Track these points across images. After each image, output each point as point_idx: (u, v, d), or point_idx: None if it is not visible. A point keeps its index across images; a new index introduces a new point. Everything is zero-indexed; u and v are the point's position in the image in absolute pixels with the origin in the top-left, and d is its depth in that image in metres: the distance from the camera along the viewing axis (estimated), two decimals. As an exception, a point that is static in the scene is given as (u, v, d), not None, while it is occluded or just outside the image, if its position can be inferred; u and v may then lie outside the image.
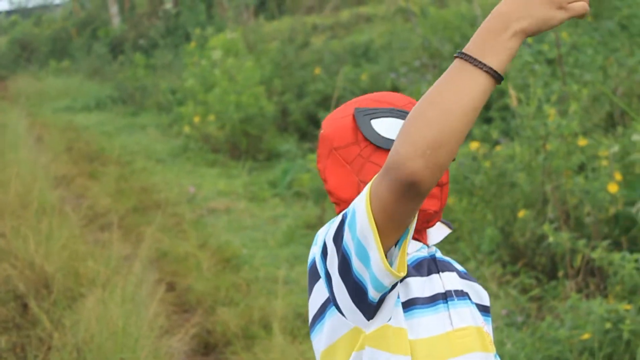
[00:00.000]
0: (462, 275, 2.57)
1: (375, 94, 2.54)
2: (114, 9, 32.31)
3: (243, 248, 9.57)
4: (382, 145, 2.40)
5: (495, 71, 2.07)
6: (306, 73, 16.16)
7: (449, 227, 2.59)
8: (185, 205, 11.83)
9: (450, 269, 2.53)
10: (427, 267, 2.47)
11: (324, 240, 2.36)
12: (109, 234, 10.03)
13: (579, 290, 6.58)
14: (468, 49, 2.09)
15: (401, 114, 2.42)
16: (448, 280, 2.48)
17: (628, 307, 5.71)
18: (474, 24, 14.95)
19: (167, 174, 14.00)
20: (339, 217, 2.31)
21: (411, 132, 2.08)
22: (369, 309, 2.33)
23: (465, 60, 2.08)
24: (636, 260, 5.99)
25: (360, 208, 2.20)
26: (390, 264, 2.23)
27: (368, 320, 2.34)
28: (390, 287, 2.28)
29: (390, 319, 2.34)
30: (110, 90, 23.72)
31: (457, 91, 2.08)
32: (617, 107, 8.80)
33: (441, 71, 13.31)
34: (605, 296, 6.28)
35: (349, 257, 2.25)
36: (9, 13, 51.31)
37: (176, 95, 18.85)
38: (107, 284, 7.76)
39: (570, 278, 6.75)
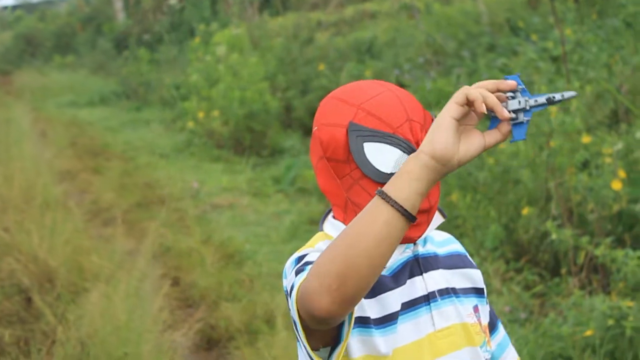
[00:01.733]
0: (449, 265, 2.57)
1: (377, 97, 2.42)
2: (118, 4, 32.29)
3: (246, 244, 9.57)
4: (370, 176, 2.37)
5: (401, 206, 2.09)
6: (310, 69, 16.14)
7: (443, 215, 2.56)
8: (189, 200, 11.83)
9: (435, 265, 2.52)
10: (409, 270, 2.47)
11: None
12: (113, 228, 10.05)
13: (582, 287, 6.59)
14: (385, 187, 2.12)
15: (396, 141, 2.37)
16: (432, 281, 2.49)
17: (631, 304, 5.72)
18: (478, 20, 14.97)
19: (171, 169, 14.00)
20: (290, 277, 2.32)
21: (320, 266, 2.10)
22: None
23: (378, 196, 2.10)
24: (639, 257, 5.99)
25: (291, 302, 2.22)
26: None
27: None
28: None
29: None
30: (114, 86, 23.73)
31: (362, 227, 2.09)
32: (621, 104, 8.80)
33: (445, 68, 13.33)
34: (608, 293, 6.29)
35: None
36: (14, 8, 51.24)
37: (180, 90, 18.85)
38: (111, 279, 7.77)
39: (573, 275, 6.75)
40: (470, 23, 14.93)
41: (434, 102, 11.66)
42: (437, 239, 2.62)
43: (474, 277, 2.61)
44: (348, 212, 2.44)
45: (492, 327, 2.66)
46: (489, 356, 2.56)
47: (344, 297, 2.07)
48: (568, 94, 2.10)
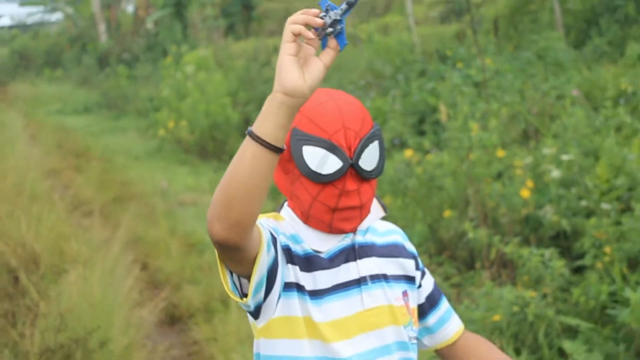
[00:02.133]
0: (384, 254, 2.56)
1: (317, 107, 2.42)
2: (101, 27, 32.16)
3: (206, 235, 9.55)
4: (306, 176, 2.38)
5: (264, 140, 2.10)
6: (267, 87, 16.16)
7: (384, 210, 2.59)
8: (158, 197, 11.79)
9: (370, 253, 2.52)
10: (345, 256, 2.48)
11: None
12: (91, 219, 10.01)
13: (493, 279, 6.64)
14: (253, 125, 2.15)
15: (329, 146, 2.37)
16: (364, 266, 2.48)
17: (533, 294, 5.77)
18: (412, 50, 15.04)
19: (143, 170, 13.95)
20: None
21: (213, 199, 2.15)
22: (250, 313, 2.41)
23: (247, 134, 2.12)
24: (541, 255, 6.05)
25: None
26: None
27: (255, 319, 2.41)
28: (262, 299, 2.34)
29: (275, 314, 2.37)
30: (96, 97, 23.62)
31: (237, 162, 2.12)
32: (531, 124, 8.88)
33: (383, 89, 13.38)
34: (515, 284, 6.34)
35: None
36: (10, 28, 50.94)
37: (153, 102, 18.78)
38: (88, 262, 7.74)
39: (485, 269, 6.80)
40: (405, 52, 15.01)
41: (374, 118, 11.71)
42: (380, 230, 2.61)
43: (405, 266, 2.59)
44: (294, 202, 2.46)
45: (433, 303, 2.69)
46: (414, 334, 2.54)
47: (230, 221, 2.10)
48: None
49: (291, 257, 2.39)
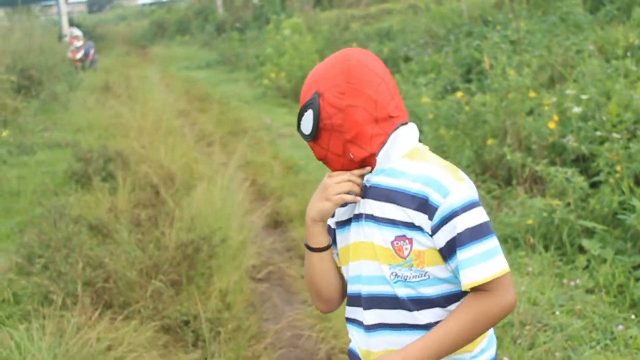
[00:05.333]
0: (387, 198, 2.15)
1: (307, 79, 2.25)
2: (219, 1, 32.18)
3: (301, 160, 9.55)
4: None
5: (309, 246, 2.28)
6: (347, 47, 16.01)
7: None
8: (263, 131, 11.82)
9: (373, 195, 2.17)
10: (361, 193, 2.21)
11: None
12: (212, 148, 10.08)
13: (526, 192, 6.53)
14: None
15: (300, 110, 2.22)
16: (364, 206, 2.18)
17: (558, 203, 5.68)
18: (460, 15, 14.75)
19: (252, 110, 13.98)
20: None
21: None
22: None
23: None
24: (565, 173, 5.95)
25: None
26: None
27: None
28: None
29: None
30: (215, 56, 23.65)
31: (306, 260, 2.33)
32: (557, 72, 8.68)
33: (437, 47, 13.16)
34: (544, 196, 6.24)
35: None
36: (150, 5, 51.53)
37: (259, 59, 18.78)
38: (211, 180, 7.79)
39: (520, 184, 6.69)
40: (455, 17, 14.73)
41: (430, 70, 11.54)
42: (412, 174, 2.14)
43: (409, 213, 2.10)
44: None
45: (451, 251, 2.08)
46: (407, 273, 2.13)
47: (321, 301, 2.37)
48: None
49: None
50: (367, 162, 2.19)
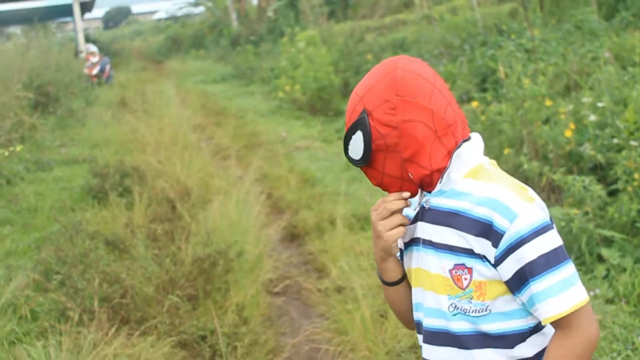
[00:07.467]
0: (443, 222, 1.98)
1: (352, 98, 2.01)
2: (233, 15, 32.27)
3: (317, 172, 9.54)
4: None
5: (383, 280, 2.21)
6: (361, 58, 16.04)
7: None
8: (279, 144, 11.82)
9: (428, 219, 2.01)
10: (419, 215, 2.05)
11: None
12: (229, 161, 10.08)
13: (544, 201, 6.48)
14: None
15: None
16: (422, 229, 2.02)
17: (576, 211, 5.63)
18: (475, 25, 14.72)
19: (267, 124, 13.99)
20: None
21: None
22: None
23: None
24: (582, 181, 5.90)
25: None
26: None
27: None
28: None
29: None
30: (230, 70, 23.73)
31: (384, 291, 2.26)
32: (572, 80, 8.64)
33: (452, 57, 13.14)
34: (561, 205, 6.19)
35: None
36: (165, 20, 51.79)
37: (274, 72, 18.82)
38: (227, 193, 7.79)
39: (538, 193, 6.65)
40: (469, 27, 14.70)
41: (445, 80, 11.51)
42: (476, 196, 1.92)
43: (469, 239, 1.90)
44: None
45: (522, 282, 1.87)
46: (467, 306, 1.96)
47: (405, 323, 2.31)
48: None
49: None
50: (427, 180, 1.98)
